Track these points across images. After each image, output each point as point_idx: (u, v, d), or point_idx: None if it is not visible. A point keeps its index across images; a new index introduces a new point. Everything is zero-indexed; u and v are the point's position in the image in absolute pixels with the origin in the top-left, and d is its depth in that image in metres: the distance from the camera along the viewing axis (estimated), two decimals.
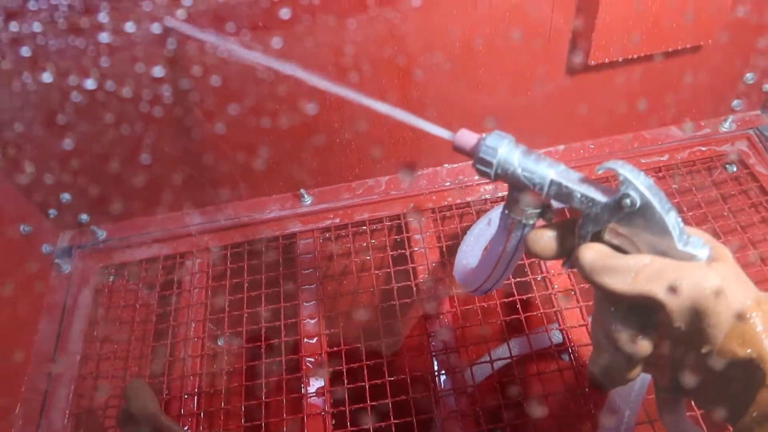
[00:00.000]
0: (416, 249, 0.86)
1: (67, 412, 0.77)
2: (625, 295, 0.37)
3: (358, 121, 0.83)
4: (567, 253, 0.43)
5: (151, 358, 0.81)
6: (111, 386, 0.80)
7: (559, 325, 0.77)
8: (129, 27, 0.65)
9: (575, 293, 0.79)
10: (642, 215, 0.38)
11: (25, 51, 0.66)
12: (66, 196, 0.86)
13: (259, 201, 0.93)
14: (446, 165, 0.93)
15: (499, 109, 0.85)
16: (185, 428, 0.75)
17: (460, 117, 0.85)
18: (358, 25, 0.70)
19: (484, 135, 0.42)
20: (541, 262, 0.83)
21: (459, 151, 0.43)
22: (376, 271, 0.85)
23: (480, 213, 0.90)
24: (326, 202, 0.91)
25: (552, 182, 0.40)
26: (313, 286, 0.84)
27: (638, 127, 0.92)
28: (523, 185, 0.41)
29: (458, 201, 0.90)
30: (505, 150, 0.41)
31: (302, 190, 0.90)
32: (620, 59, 0.76)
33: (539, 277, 0.82)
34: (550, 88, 0.83)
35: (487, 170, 0.42)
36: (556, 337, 0.77)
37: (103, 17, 0.63)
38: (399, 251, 0.86)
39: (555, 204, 0.43)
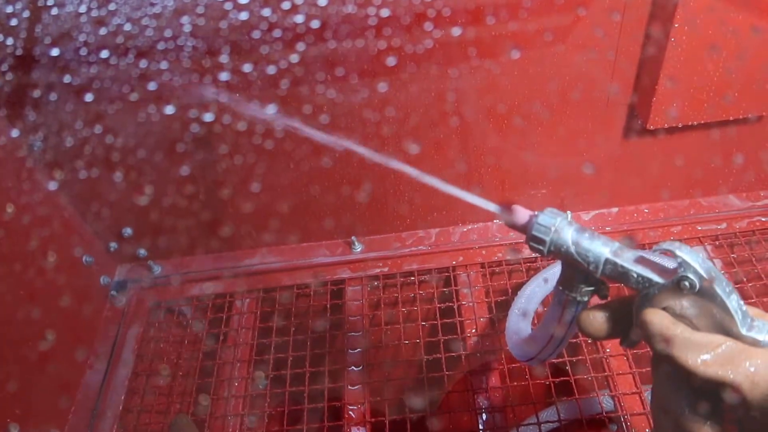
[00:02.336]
0: (464, 303, 0.86)
1: None
2: (699, 375, 0.35)
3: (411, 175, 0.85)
4: (622, 333, 0.41)
5: (195, 396, 0.82)
6: (154, 421, 0.81)
7: (611, 391, 0.74)
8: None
9: (627, 358, 0.77)
10: (701, 297, 0.37)
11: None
12: (128, 231, 0.90)
13: (310, 246, 0.94)
14: (497, 221, 0.93)
15: (555, 169, 0.85)
16: None
17: (516, 177, 0.86)
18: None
19: (536, 213, 0.42)
20: None
21: (511, 227, 0.43)
22: (423, 323, 0.84)
23: (530, 270, 0.89)
24: (376, 250, 0.92)
25: (607, 261, 0.39)
26: (359, 334, 0.84)
27: (695, 193, 0.91)
28: (577, 263, 0.40)
29: (508, 257, 0.90)
30: (558, 228, 0.40)
31: (353, 238, 0.92)
32: (679, 125, 0.77)
33: (590, 339, 0.80)
34: (606, 151, 0.84)
35: (540, 248, 0.41)
36: (607, 403, 0.74)
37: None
38: (446, 304, 0.86)
39: None
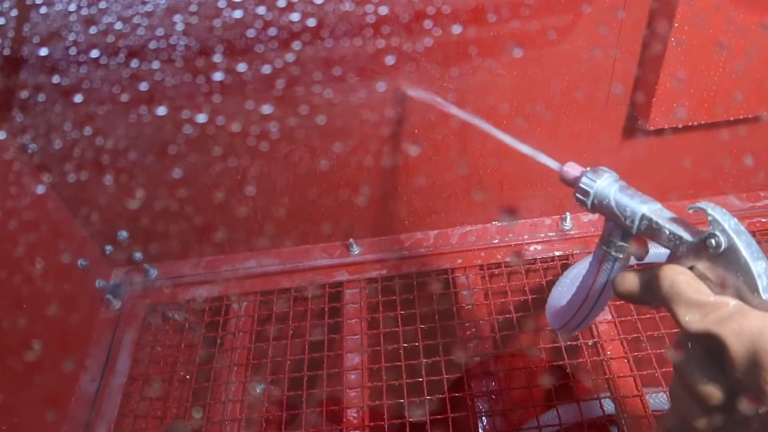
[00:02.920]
0: (463, 305, 0.85)
1: None
2: (691, 332, 0.36)
3: (413, 174, 0.84)
4: (652, 298, 0.42)
5: (191, 400, 0.81)
6: (150, 426, 0.80)
7: (612, 394, 0.73)
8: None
9: (628, 361, 0.76)
10: (727, 259, 0.37)
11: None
12: (123, 234, 0.89)
13: (307, 248, 0.93)
14: (495, 222, 0.92)
15: (551, 170, 0.84)
16: None
17: (515, 178, 0.86)
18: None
19: (588, 168, 0.46)
20: (593, 326, 0.80)
21: (564, 181, 0.48)
22: (422, 326, 0.83)
23: (530, 272, 0.89)
24: (374, 252, 0.91)
25: (643, 217, 0.41)
26: (357, 337, 0.84)
27: (695, 194, 0.91)
28: (616, 217, 0.43)
29: (507, 259, 0.89)
30: (604, 183, 0.44)
31: (351, 240, 0.91)
32: (680, 126, 0.76)
33: (590, 342, 0.79)
34: (607, 151, 0.83)
35: (585, 199, 0.45)
36: (608, 406, 0.74)
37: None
38: (445, 306, 0.85)
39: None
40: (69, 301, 0.83)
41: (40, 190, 0.80)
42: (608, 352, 0.77)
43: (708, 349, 0.37)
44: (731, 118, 0.76)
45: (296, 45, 0.66)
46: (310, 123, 0.75)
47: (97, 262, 0.91)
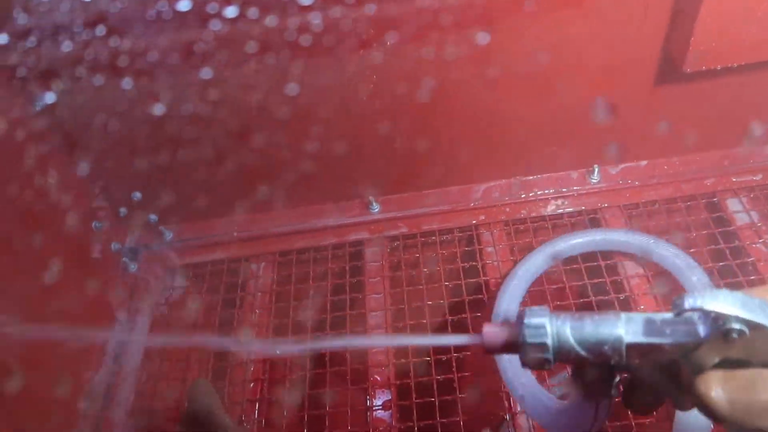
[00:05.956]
0: (488, 262, 0.82)
1: (128, 410, 0.75)
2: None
3: (435, 129, 0.81)
4: (667, 396, 0.36)
5: (212, 362, 0.80)
6: (171, 387, 0.79)
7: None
8: None
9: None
10: (753, 334, 0.30)
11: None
12: (137, 195, 0.86)
13: (325, 207, 0.91)
14: (520, 177, 0.89)
15: (580, 121, 0.81)
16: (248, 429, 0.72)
17: (538, 130, 0.82)
18: None
19: (516, 327, 0.34)
20: (624, 281, 0.78)
21: (493, 350, 0.35)
22: (446, 283, 0.81)
23: (556, 228, 0.86)
24: (395, 210, 0.89)
25: (630, 346, 0.32)
26: (380, 296, 0.81)
27: (730, 143, 0.86)
28: (591, 361, 0.33)
29: (533, 215, 0.86)
30: (555, 327, 0.33)
31: (370, 198, 0.88)
32: (718, 67, 0.72)
33: (622, 297, 0.77)
34: (636, 98, 0.79)
35: (544, 356, 0.33)
36: None
37: None
38: (470, 263, 0.82)
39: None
40: (85, 265, 0.81)
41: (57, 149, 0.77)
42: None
43: None
44: None
45: None
46: (328, 75, 0.72)
47: (112, 225, 0.89)
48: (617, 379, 0.35)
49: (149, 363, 0.80)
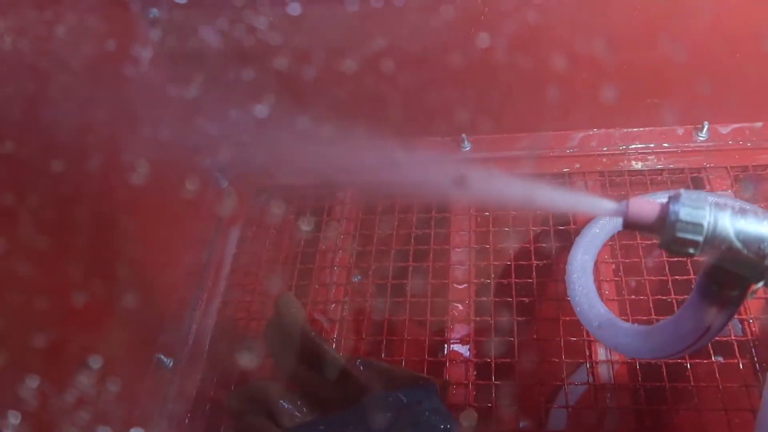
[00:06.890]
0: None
1: (214, 321, 0.79)
2: None
3: (535, 71, 0.77)
4: None
5: (296, 280, 0.82)
6: (255, 300, 0.82)
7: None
8: None
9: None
10: None
11: None
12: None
13: (414, 143, 0.90)
14: (622, 128, 0.85)
15: (686, 71, 0.75)
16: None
17: (640, 81, 0.77)
18: None
19: (671, 204, 0.31)
20: None
21: (632, 228, 0.33)
22: (534, 228, 0.80)
23: (654, 184, 0.82)
24: (484, 151, 0.87)
25: None
26: (464, 233, 0.81)
27: None
28: (745, 258, 0.31)
29: (631, 168, 0.83)
30: (713, 219, 0.30)
31: (463, 135, 0.87)
32: None
33: None
34: (753, 48, 0.73)
35: (689, 250, 0.31)
36: (736, 327, 0.69)
37: None
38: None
39: None
40: (177, 176, 0.84)
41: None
42: None
43: None
44: None
45: None
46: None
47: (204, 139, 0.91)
48: (759, 285, 0.33)
49: (234, 275, 0.83)
